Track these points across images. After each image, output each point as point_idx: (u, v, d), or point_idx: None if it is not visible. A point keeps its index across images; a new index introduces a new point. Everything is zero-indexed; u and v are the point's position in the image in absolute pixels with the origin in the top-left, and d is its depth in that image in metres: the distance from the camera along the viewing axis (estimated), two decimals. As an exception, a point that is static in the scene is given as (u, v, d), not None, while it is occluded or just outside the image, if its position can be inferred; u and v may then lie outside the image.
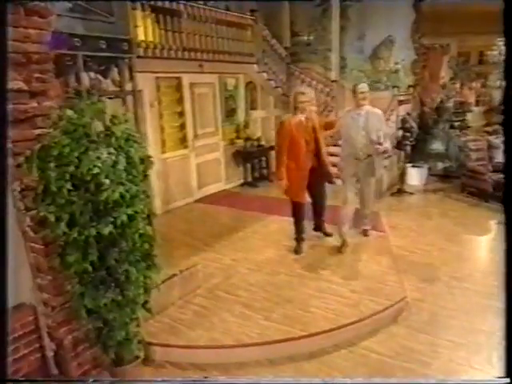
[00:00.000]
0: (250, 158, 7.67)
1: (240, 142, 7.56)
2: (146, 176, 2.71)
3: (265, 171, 8.10)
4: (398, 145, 7.29)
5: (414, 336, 3.21)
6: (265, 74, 8.01)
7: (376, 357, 2.99)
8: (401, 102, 7.98)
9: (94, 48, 3.61)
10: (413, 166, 7.72)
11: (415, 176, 7.74)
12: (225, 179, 7.49)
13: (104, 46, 3.70)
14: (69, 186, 2.25)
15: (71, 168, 2.24)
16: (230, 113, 7.42)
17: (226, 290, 3.82)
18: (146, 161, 2.64)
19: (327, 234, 4.95)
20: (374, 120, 4.33)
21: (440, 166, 7.93)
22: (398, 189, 7.28)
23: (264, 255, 4.58)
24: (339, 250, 4.57)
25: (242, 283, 3.95)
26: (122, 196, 2.34)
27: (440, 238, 5.12)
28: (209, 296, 3.76)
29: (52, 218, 2.30)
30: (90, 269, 2.40)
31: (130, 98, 4.31)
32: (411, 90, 8.61)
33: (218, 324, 3.32)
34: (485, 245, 5.17)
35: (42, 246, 2.63)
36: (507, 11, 1.72)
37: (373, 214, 5.17)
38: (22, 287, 2.85)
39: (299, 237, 4.72)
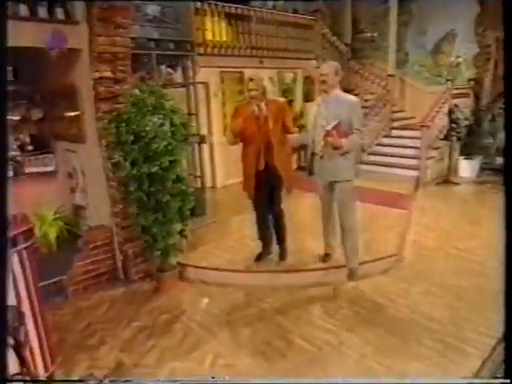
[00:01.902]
0: (303, 145, 8.49)
1: (296, 131, 8.42)
2: (186, 139, 3.82)
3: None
4: (446, 136, 7.58)
5: (395, 283, 3.88)
6: (323, 69, 8.80)
7: (356, 292, 3.74)
8: (456, 96, 8.17)
9: (164, 48, 4.82)
10: (465, 159, 7.90)
11: (467, 168, 7.90)
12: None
13: (172, 47, 4.90)
14: (131, 138, 3.43)
15: (134, 127, 3.43)
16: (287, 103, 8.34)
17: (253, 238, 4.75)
18: (185, 126, 3.74)
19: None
20: (341, 109, 3.44)
21: (498, 160, 7.98)
22: (445, 179, 7.56)
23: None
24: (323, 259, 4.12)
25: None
26: (165, 147, 3.47)
27: (462, 220, 5.49)
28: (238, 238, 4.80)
29: (122, 160, 3.51)
30: (144, 197, 3.58)
31: (194, 88, 5.52)
32: (472, 83, 8.70)
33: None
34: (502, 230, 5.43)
35: (116, 183, 3.88)
36: (507, 11, 1.73)
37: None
38: (103, 213, 4.17)
39: (262, 249, 4.17)
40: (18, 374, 2.26)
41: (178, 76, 5.50)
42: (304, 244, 4.50)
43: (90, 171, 4.31)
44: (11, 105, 4.62)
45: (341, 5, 9.86)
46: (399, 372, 2.66)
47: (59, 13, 3.58)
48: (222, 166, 7.47)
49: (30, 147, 4.79)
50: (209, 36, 6.56)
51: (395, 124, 8.95)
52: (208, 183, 7.10)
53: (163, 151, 3.48)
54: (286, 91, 8.29)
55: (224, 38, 6.90)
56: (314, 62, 8.54)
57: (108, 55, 3.74)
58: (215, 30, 6.72)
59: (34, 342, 2.38)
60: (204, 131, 6.51)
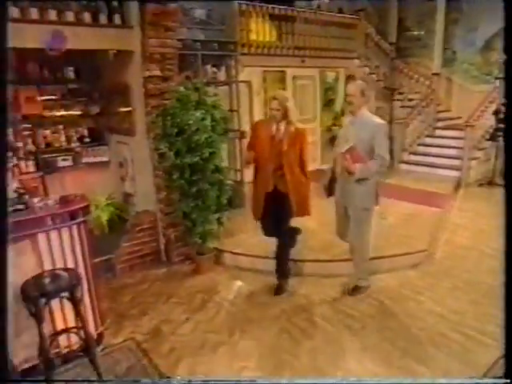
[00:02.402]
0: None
1: (336, 129, 8.53)
2: (225, 132, 4.12)
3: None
4: (492, 136, 7.38)
5: (423, 277, 3.97)
6: (366, 69, 8.84)
7: (382, 284, 3.87)
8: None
9: (209, 49, 5.16)
10: (513, 160, 7.65)
11: (514, 170, 7.65)
12: (320, 160, 8.57)
13: (217, 47, 5.23)
14: (176, 131, 3.78)
15: (178, 120, 3.77)
16: (328, 102, 8.46)
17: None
18: (225, 120, 4.04)
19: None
20: (364, 131, 3.27)
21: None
22: (489, 181, 7.37)
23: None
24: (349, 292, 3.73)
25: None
26: (206, 139, 3.78)
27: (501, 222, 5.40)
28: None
29: (166, 150, 3.87)
30: (185, 185, 3.92)
31: (236, 86, 5.83)
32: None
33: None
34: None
35: (161, 172, 4.25)
36: (507, 11, 1.73)
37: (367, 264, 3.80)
38: (149, 200, 4.56)
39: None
40: (73, 327, 2.66)
41: (221, 75, 5.83)
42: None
43: (138, 161, 4.73)
44: (74, 101, 5.17)
45: (387, 3, 9.81)
46: (415, 357, 2.79)
47: (117, 19, 4.00)
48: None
49: (87, 139, 5.31)
50: (253, 36, 6.84)
51: (440, 124, 8.80)
52: (248, 178, 7.41)
53: (204, 143, 3.81)
54: (328, 90, 8.42)
55: (267, 39, 7.16)
56: (356, 61, 8.61)
57: (157, 56, 4.12)
58: (259, 30, 6.99)
59: (87, 303, 2.76)
60: (245, 127, 6.80)
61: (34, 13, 3.70)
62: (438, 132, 8.62)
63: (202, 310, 3.55)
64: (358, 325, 3.21)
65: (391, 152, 8.92)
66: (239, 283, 3.96)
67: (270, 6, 7.13)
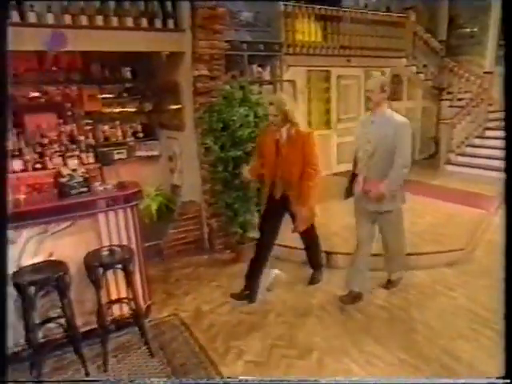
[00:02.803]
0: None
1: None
2: (267, 129, 4.33)
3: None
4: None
5: (458, 275, 3.98)
6: (414, 68, 8.73)
7: (417, 280, 3.93)
8: None
9: (255, 49, 5.41)
10: None
11: None
12: (362, 159, 8.59)
13: (262, 48, 5.47)
14: (221, 126, 4.06)
15: (223, 116, 4.05)
16: (372, 102, 8.46)
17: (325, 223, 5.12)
18: (267, 117, 4.25)
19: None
20: (386, 130, 3.08)
21: None
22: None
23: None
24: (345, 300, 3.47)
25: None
26: (249, 134, 4.03)
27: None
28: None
29: (212, 144, 4.16)
30: (229, 177, 4.20)
31: (280, 85, 6.05)
32: None
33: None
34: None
35: (207, 165, 4.55)
36: (507, 12, 1.74)
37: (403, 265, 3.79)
38: (194, 191, 4.89)
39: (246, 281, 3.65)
40: (126, 298, 3.00)
41: (266, 74, 6.06)
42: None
43: (186, 155, 5.07)
44: (129, 99, 5.63)
45: (437, 1, 9.60)
46: (442, 348, 2.87)
47: (170, 23, 4.35)
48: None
49: (140, 134, 5.75)
50: (298, 37, 7.02)
51: (491, 124, 8.50)
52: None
53: (247, 138, 4.06)
54: (373, 89, 8.42)
55: (312, 39, 7.31)
56: (403, 60, 8.52)
57: (206, 56, 4.42)
58: (304, 30, 7.15)
59: (137, 278, 3.09)
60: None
61: (99, 20, 4.11)
62: (489, 133, 8.34)
63: (239, 294, 3.80)
64: (386, 315, 3.32)
65: (437, 153, 8.80)
66: (276, 271, 4.17)
67: (317, 6, 7.28)
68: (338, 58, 7.60)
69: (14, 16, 3.83)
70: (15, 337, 2.82)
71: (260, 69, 5.96)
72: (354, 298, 3.44)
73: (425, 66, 8.94)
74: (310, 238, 3.86)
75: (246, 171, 3.67)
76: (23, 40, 3.78)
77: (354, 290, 3.44)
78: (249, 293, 3.58)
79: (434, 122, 9.38)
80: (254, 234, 4.55)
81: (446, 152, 8.25)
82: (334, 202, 6.19)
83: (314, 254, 3.97)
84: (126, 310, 3.08)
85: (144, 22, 4.30)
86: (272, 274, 4.15)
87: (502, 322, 1.81)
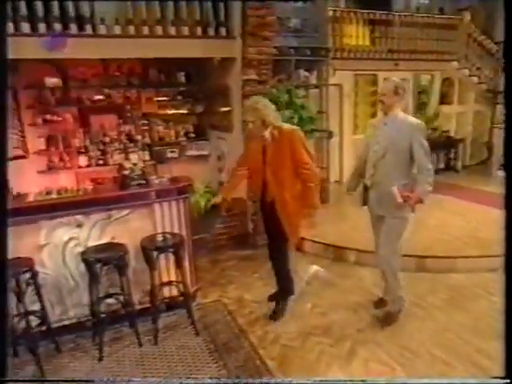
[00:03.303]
0: (436, 148, 8.39)
1: (428, 132, 8.38)
2: (311, 131, 4.54)
3: (452, 162, 8.64)
4: None
5: (499, 280, 3.94)
6: (466, 71, 8.52)
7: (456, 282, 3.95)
8: None
9: (302, 54, 5.62)
10: None
11: None
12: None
13: (309, 53, 5.67)
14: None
15: (269, 119, 4.28)
16: (420, 105, 8.36)
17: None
18: (312, 120, 4.46)
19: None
20: (398, 133, 2.97)
21: None
22: None
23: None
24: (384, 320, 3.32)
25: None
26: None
27: None
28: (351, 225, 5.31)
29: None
30: (272, 176, 4.42)
31: (325, 89, 6.21)
32: None
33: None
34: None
35: (253, 164, 4.81)
36: (507, 12, 1.72)
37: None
38: (240, 188, 5.14)
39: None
40: (174, 281, 3.31)
41: (313, 78, 6.24)
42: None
43: (234, 155, 5.36)
44: (183, 101, 6.03)
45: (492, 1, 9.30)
46: (477, 349, 2.91)
47: (223, 31, 4.68)
48: (350, 163, 7.96)
49: (192, 135, 6.14)
50: (346, 41, 7.14)
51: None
52: (335, 178, 7.72)
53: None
54: (421, 93, 8.33)
55: (360, 43, 7.40)
56: (455, 63, 8.35)
57: (255, 62, 4.69)
58: (353, 35, 7.26)
59: (186, 264, 3.40)
60: (334, 128, 7.13)
61: (159, 30, 4.50)
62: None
63: (279, 286, 4.02)
64: (423, 313, 3.40)
65: (489, 158, 8.53)
66: (315, 267, 4.35)
67: (366, 11, 7.37)
68: (386, 61, 7.63)
69: (88, 29, 4.30)
70: (80, 309, 3.22)
71: (307, 73, 6.15)
72: (389, 318, 3.30)
73: (478, 68, 8.70)
74: (282, 255, 3.43)
75: (218, 197, 3.52)
76: (93, 50, 4.27)
77: (390, 310, 3.33)
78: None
79: (487, 127, 9.08)
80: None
81: (501, 157, 7.98)
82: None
83: (282, 276, 3.52)
84: (175, 292, 3.39)
85: (199, 31, 4.65)
86: (311, 269, 4.35)
87: (502, 322, 1.76)
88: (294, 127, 3.24)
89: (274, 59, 4.92)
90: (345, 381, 2.67)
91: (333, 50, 6.87)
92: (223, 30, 4.73)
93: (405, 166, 3.03)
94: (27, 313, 2.84)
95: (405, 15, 7.91)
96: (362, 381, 2.61)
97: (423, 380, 2.68)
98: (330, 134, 6.16)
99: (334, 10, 6.98)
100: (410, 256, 4.30)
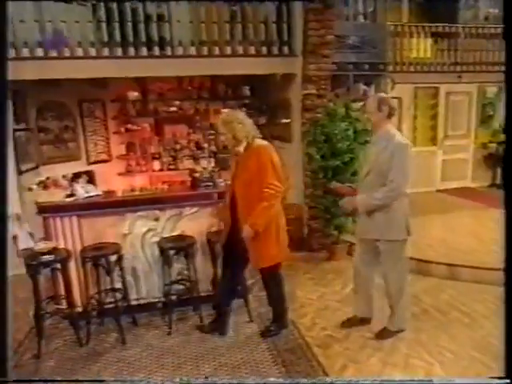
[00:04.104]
0: (501, 162, 8.14)
1: (493, 146, 8.17)
2: (366, 142, 4.78)
3: (519, 177, 8.31)
4: None
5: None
6: (537, 83, 8.19)
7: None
8: None
9: (360, 69, 5.88)
10: None
11: None
12: (471, 178, 8.32)
13: (367, 68, 5.92)
14: (323, 138, 4.64)
15: (326, 130, 4.63)
16: (485, 118, 8.17)
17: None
18: (366, 132, 4.71)
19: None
20: (383, 152, 2.90)
21: None
22: None
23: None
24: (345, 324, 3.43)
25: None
26: (347, 147, 4.54)
27: None
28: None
29: (315, 154, 4.76)
30: (328, 183, 4.73)
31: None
32: None
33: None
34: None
35: (309, 173, 5.15)
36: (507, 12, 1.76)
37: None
38: (297, 195, 5.51)
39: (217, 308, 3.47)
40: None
41: (371, 92, 6.45)
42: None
43: (292, 163, 5.73)
44: (246, 113, 6.50)
45: None
46: None
47: (285, 50, 5.12)
48: (407, 175, 8.01)
49: (254, 144, 6.62)
50: (406, 54, 7.27)
51: None
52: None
53: (346, 150, 4.59)
54: (486, 106, 8.16)
55: (421, 55, 7.47)
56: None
57: (314, 77, 5.05)
58: (414, 48, 7.37)
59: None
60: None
61: (228, 50, 5.04)
62: None
63: (329, 285, 4.32)
64: (468, 320, 3.51)
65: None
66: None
67: (428, 24, 7.45)
68: (448, 74, 7.61)
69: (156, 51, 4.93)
70: (153, 291, 3.74)
71: (365, 86, 6.38)
72: (355, 322, 3.39)
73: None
74: (272, 279, 3.33)
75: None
76: (172, 69, 4.91)
77: (356, 314, 3.42)
78: (218, 324, 3.40)
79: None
80: (348, 237, 5.02)
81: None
82: (433, 217, 6.35)
83: (275, 301, 3.39)
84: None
85: (264, 50, 5.13)
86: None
87: (503, 322, 1.81)
88: (265, 143, 3.07)
89: (333, 74, 5.25)
90: (348, 381, 2.76)
91: (393, 64, 7.06)
92: (286, 49, 5.17)
93: (384, 183, 2.91)
94: (113, 289, 3.40)
95: (469, 27, 7.84)
96: (360, 381, 2.73)
97: (423, 380, 2.74)
98: (387, 146, 6.31)
99: (395, 25, 7.17)
100: (471, 267, 4.41)
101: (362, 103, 6.01)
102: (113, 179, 6.32)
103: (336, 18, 5.09)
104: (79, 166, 5.96)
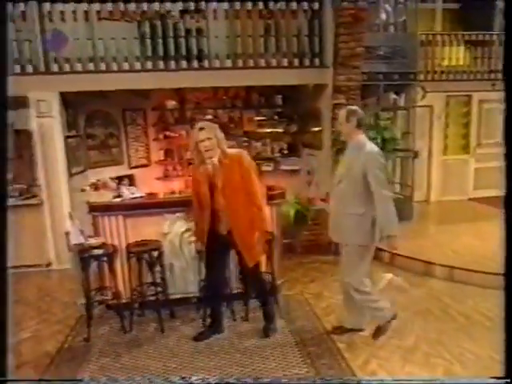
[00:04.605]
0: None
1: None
2: (394, 150, 4.95)
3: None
4: None
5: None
6: None
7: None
8: None
9: (390, 79, 6.03)
10: None
11: None
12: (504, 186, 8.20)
13: (397, 77, 6.06)
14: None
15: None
16: (521, 127, 8.06)
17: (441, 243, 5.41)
18: (394, 140, 4.88)
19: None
20: (354, 161, 3.06)
21: None
22: None
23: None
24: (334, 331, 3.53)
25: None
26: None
27: None
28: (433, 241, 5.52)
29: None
30: (354, 190, 4.92)
31: (413, 111, 6.51)
32: None
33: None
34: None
35: (338, 179, 5.34)
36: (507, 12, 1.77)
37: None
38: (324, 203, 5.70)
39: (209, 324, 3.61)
40: (266, 272, 3.97)
41: (401, 101, 6.58)
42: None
43: (322, 170, 5.95)
44: (279, 121, 6.81)
45: None
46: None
47: (316, 61, 5.36)
48: (438, 183, 8.01)
49: (285, 151, 6.89)
50: (439, 63, 7.34)
51: None
52: (422, 197, 7.84)
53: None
54: (522, 114, 8.05)
55: (453, 63, 7.50)
56: None
57: (344, 88, 5.27)
58: (446, 57, 7.43)
59: (276, 258, 4.05)
60: (423, 149, 7.35)
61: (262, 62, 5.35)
62: None
63: (356, 288, 4.48)
64: (490, 324, 3.60)
65: None
66: (389, 276, 4.71)
67: (461, 33, 7.48)
68: (482, 82, 7.59)
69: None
70: (188, 287, 4.04)
71: (395, 96, 6.51)
72: (345, 330, 3.46)
73: None
74: (257, 281, 3.53)
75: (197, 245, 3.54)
76: (210, 80, 5.25)
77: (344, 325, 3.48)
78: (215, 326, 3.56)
79: None
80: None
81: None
82: (462, 225, 6.40)
83: (265, 301, 3.56)
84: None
85: (296, 62, 5.39)
86: (387, 277, 4.72)
87: (503, 322, 1.82)
88: (242, 151, 3.29)
89: (363, 84, 5.44)
90: (346, 379, 2.85)
91: (424, 73, 7.15)
92: (317, 61, 5.42)
93: (360, 194, 3.01)
94: (154, 283, 3.73)
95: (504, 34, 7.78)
96: (362, 380, 2.81)
97: (424, 379, 2.79)
98: (416, 154, 6.41)
99: (426, 34, 7.25)
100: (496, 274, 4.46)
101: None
102: (151, 183, 6.74)
103: (366, 30, 5.30)
104: (122, 170, 6.42)
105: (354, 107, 3.23)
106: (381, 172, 2.97)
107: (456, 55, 7.54)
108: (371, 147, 3.06)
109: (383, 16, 5.95)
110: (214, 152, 3.08)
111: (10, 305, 1.91)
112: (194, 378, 2.94)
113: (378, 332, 3.30)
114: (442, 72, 7.40)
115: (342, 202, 3.13)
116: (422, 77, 6.89)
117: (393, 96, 6.43)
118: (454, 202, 7.89)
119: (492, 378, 2.15)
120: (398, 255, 5.11)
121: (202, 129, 3.08)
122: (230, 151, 3.21)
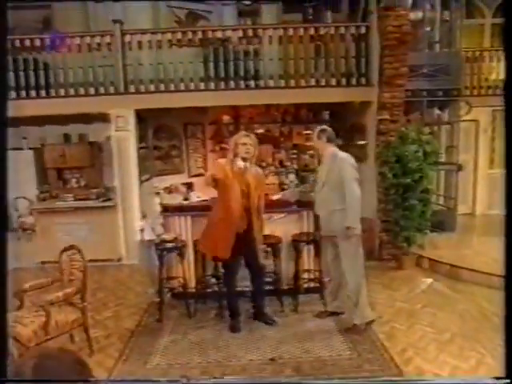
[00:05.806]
0: None
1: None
2: (435, 163, 5.26)
3: None
4: None
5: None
6: None
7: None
8: None
9: (434, 95, 6.33)
10: None
11: None
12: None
13: (441, 94, 6.35)
14: (395, 159, 5.21)
15: (397, 151, 5.20)
16: None
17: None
18: (435, 153, 5.20)
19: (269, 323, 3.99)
20: (330, 167, 3.74)
21: None
22: None
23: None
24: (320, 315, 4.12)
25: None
26: (417, 167, 5.07)
27: None
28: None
29: (387, 173, 5.33)
30: (399, 199, 5.28)
31: (456, 125, 6.75)
32: None
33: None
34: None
35: (382, 189, 5.71)
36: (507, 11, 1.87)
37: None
38: (369, 209, 6.07)
39: (231, 310, 4.04)
40: (313, 269, 4.44)
41: (445, 116, 6.84)
42: None
43: (365, 180, 6.32)
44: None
45: None
46: None
47: (362, 80, 5.81)
48: (484, 196, 8.10)
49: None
50: (486, 77, 7.52)
51: None
52: (467, 210, 7.96)
53: (416, 169, 5.11)
54: None
55: (501, 78, 7.63)
56: None
57: (389, 104, 5.67)
58: (494, 71, 7.59)
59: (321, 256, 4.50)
60: (469, 162, 7.53)
61: (312, 81, 5.87)
62: None
63: (397, 290, 4.83)
64: (497, 320, 3.84)
65: None
66: (430, 280, 5.00)
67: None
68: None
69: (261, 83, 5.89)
70: (244, 281, 4.56)
71: (439, 111, 6.79)
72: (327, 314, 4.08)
73: None
74: (257, 267, 3.96)
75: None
76: (264, 98, 5.84)
77: (356, 322, 3.82)
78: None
79: None
80: (419, 250, 5.48)
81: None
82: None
83: (262, 298, 4.10)
84: (312, 277, 4.51)
85: (343, 81, 5.87)
86: (427, 282, 5.02)
87: (503, 322, 2.24)
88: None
89: (407, 100, 5.81)
90: (347, 380, 2.97)
91: (470, 88, 7.36)
92: (363, 80, 5.86)
93: (341, 193, 3.64)
94: (216, 276, 4.30)
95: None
96: (361, 381, 2.85)
97: (424, 379, 2.88)
98: (460, 167, 6.62)
99: (473, 51, 7.48)
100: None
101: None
102: (207, 190, 7.39)
103: (411, 50, 5.68)
104: (182, 178, 7.14)
105: (323, 127, 3.93)
106: (350, 172, 3.62)
107: (503, 70, 7.66)
108: (342, 155, 3.75)
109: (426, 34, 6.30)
110: (249, 157, 3.68)
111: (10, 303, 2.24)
112: (194, 378, 3.36)
113: (355, 330, 3.73)
114: (489, 87, 7.56)
115: (328, 202, 3.76)
116: (467, 92, 7.11)
117: (436, 111, 6.71)
118: (499, 216, 7.91)
119: (492, 378, 2.39)
120: (441, 263, 5.40)
121: (247, 135, 3.75)
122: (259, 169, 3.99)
